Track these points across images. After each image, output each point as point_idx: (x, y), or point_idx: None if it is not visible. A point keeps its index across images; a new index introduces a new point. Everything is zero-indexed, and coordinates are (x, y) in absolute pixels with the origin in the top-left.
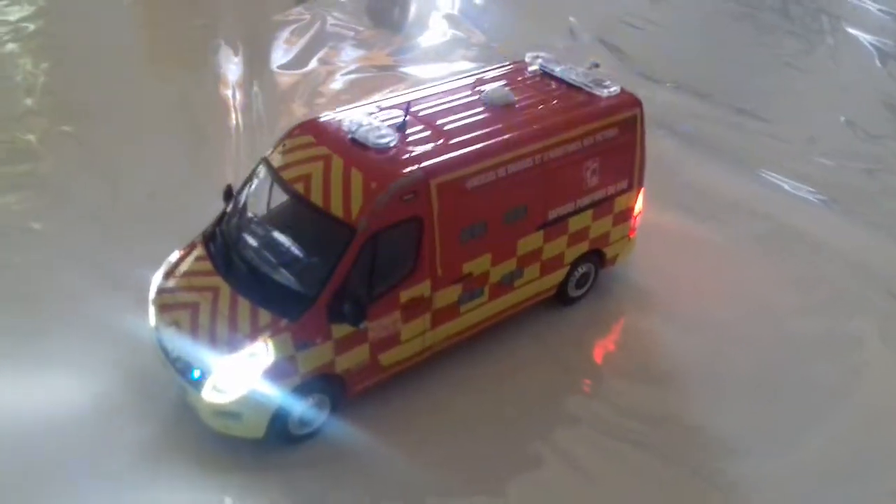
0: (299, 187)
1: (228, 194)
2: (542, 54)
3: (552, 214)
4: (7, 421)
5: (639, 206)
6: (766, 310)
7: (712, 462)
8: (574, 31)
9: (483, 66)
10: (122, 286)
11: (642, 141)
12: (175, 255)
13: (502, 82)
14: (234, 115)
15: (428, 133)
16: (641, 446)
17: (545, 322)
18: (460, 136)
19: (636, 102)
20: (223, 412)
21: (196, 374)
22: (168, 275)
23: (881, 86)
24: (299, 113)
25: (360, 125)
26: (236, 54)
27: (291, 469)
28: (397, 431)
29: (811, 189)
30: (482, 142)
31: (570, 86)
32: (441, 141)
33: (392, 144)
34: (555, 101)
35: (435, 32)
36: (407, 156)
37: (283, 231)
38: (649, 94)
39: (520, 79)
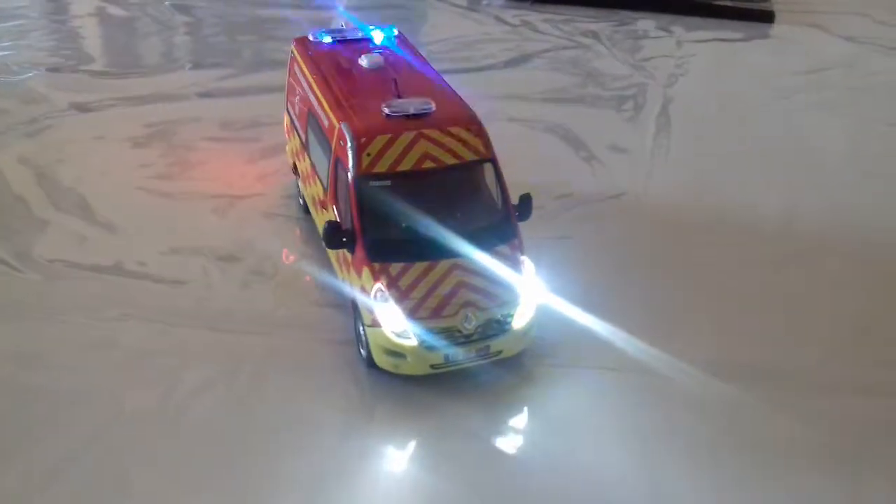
0: (428, 164)
1: (337, 228)
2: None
3: None
4: None
5: None
6: None
7: None
8: None
9: None
10: None
11: None
12: (380, 286)
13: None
14: None
15: (416, 94)
16: None
17: None
18: (419, 89)
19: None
20: (526, 331)
21: (502, 321)
22: (400, 298)
23: None
24: None
25: (400, 105)
26: None
27: None
28: None
29: None
30: (431, 87)
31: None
32: (426, 94)
33: (434, 106)
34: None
35: None
36: (446, 106)
37: (443, 198)
38: None
39: (332, 49)
